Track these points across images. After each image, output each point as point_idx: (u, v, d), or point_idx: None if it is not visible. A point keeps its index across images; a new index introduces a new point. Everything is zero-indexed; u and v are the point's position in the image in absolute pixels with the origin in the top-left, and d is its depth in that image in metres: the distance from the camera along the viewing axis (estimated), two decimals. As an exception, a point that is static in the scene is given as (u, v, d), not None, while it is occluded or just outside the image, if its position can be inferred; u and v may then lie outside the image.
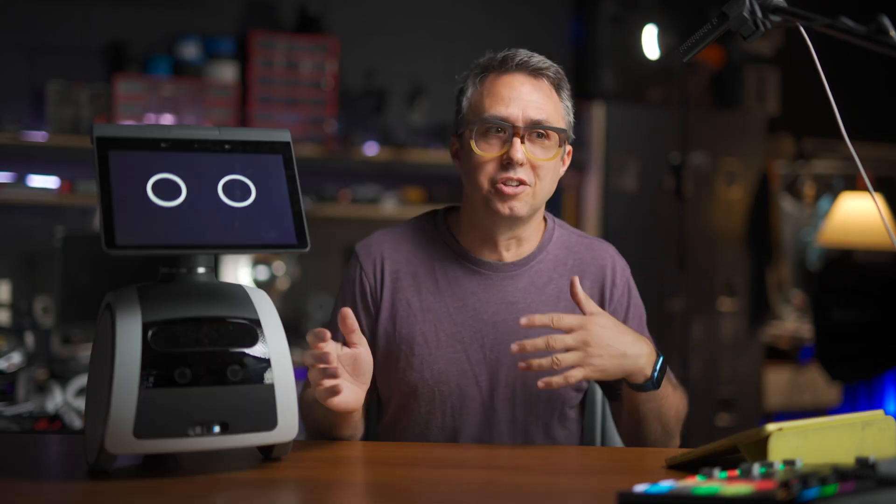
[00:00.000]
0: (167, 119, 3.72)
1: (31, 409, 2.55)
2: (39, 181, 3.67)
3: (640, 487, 1.05)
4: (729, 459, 1.20)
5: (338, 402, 1.38)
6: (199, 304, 1.23)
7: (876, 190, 1.76)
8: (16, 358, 2.56)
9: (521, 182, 1.55)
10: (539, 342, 1.40)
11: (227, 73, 3.85)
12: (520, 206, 1.56)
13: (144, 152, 1.24)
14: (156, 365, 1.17)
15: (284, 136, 1.32)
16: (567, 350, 1.41)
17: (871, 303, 4.17)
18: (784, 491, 0.94)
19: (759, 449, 1.18)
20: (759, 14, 1.35)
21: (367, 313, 1.64)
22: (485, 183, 1.57)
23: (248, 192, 1.26)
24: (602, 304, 1.65)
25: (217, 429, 1.19)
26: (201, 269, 1.28)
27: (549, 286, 1.64)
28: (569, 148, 1.64)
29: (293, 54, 3.91)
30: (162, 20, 3.89)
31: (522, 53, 1.60)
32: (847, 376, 4.30)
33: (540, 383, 1.41)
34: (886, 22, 1.21)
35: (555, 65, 1.62)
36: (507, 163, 1.55)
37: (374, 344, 1.62)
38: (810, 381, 4.49)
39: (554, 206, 4.01)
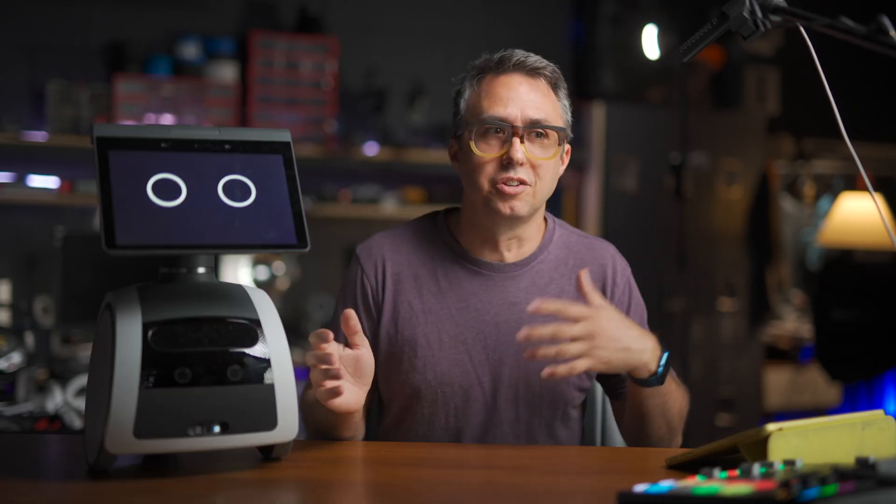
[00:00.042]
0: (167, 119, 3.72)
1: (31, 409, 2.55)
2: (39, 181, 3.67)
3: (640, 487, 1.05)
4: (729, 459, 1.20)
5: (339, 403, 1.38)
6: (199, 304, 1.23)
7: (876, 190, 1.76)
8: (16, 358, 2.56)
9: (521, 182, 1.55)
10: (546, 331, 1.41)
11: (227, 73, 3.85)
12: (521, 206, 1.56)
13: (144, 152, 1.24)
14: (156, 365, 1.17)
15: (284, 136, 1.32)
16: (573, 340, 1.42)
17: (871, 303, 4.17)
18: (784, 491, 0.94)
19: (759, 449, 1.18)
20: (759, 14, 1.35)
21: (368, 315, 1.64)
22: (485, 184, 1.57)
23: (248, 192, 1.26)
24: None
25: (217, 429, 1.19)
26: (201, 269, 1.28)
27: (550, 286, 1.64)
28: (567, 147, 1.64)
29: (293, 54, 3.91)
30: (162, 20, 3.89)
31: (519, 53, 1.60)
32: (847, 376, 4.30)
33: (545, 372, 1.41)
34: (886, 22, 1.21)
35: (551, 64, 1.63)
36: (507, 163, 1.55)
37: (376, 346, 1.62)
38: (810, 381, 4.49)
39: (554, 206, 4.01)
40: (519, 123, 1.56)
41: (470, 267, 1.64)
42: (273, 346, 1.23)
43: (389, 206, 3.99)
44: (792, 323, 4.69)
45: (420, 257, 1.66)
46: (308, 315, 3.89)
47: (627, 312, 1.67)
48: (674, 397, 1.57)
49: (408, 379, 1.61)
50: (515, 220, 1.59)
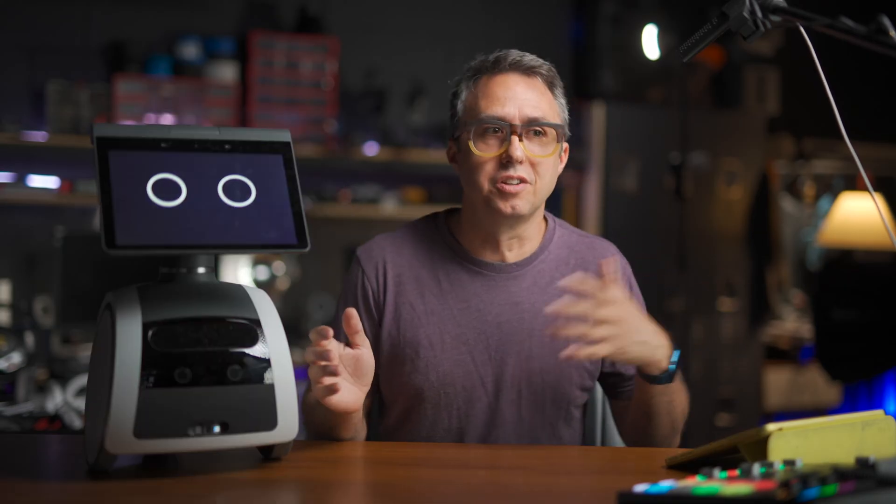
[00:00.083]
0: (167, 119, 3.72)
1: (31, 409, 2.55)
2: (39, 181, 3.66)
3: (640, 487, 1.05)
4: (729, 459, 1.20)
5: (336, 400, 1.38)
6: (199, 304, 1.23)
7: (876, 190, 1.77)
8: (16, 358, 2.56)
9: (521, 180, 1.55)
10: (577, 308, 1.41)
11: (227, 73, 3.85)
12: (522, 205, 1.56)
13: (144, 152, 1.24)
14: (156, 365, 1.17)
15: (284, 136, 1.32)
16: (599, 324, 1.42)
17: (871, 303, 4.17)
18: (784, 491, 0.94)
19: (759, 449, 1.18)
20: (759, 14, 1.35)
21: (369, 317, 1.64)
22: (485, 183, 1.57)
23: (248, 192, 1.26)
24: None
25: (217, 429, 1.19)
26: (201, 269, 1.28)
27: (551, 286, 1.64)
28: (566, 145, 1.64)
29: (293, 54, 3.91)
30: (162, 20, 3.89)
31: (514, 53, 1.61)
32: (847, 376, 4.30)
33: (565, 353, 1.40)
34: (886, 22, 1.21)
35: (547, 63, 1.63)
36: (506, 161, 1.55)
37: (378, 348, 1.62)
38: (810, 381, 4.49)
39: (554, 206, 4.01)
40: (517, 122, 1.56)
41: (471, 267, 1.64)
42: (273, 346, 1.23)
43: (389, 206, 3.99)
44: (792, 323, 4.69)
45: (421, 259, 1.66)
46: (308, 315, 3.89)
47: (629, 310, 1.68)
48: (680, 396, 1.58)
49: (410, 380, 1.61)
50: (517, 219, 1.59)
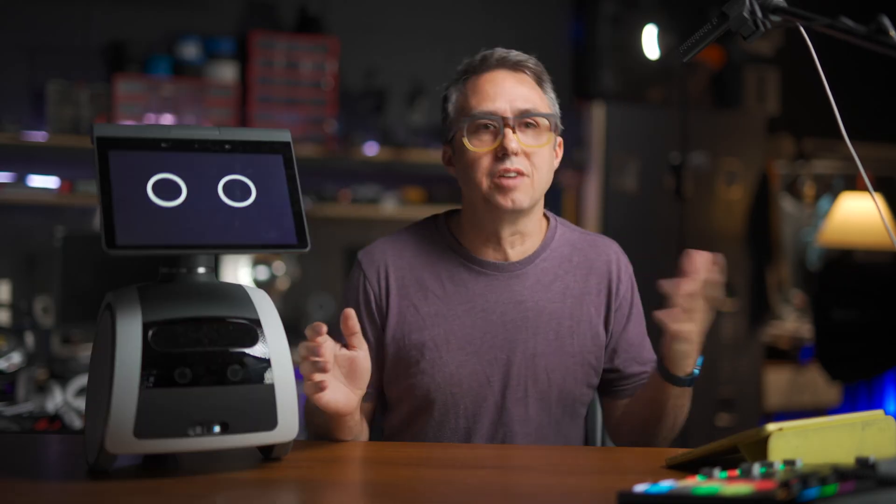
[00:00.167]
0: (167, 119, 3.72)
1: (31, 409, 2.55)
2: (39, 181, 3.67)
3: (640, 487, 1.05)
4: (729, 459, 1.20)
5: (326, 399, 1.37)
6: (199, 304, 1.22)
7: (876, 190, 1.77)
8: (16, 358, 2.56)
9: (518, 173, 1.56)
10: (712, 278, 1.44)
11: (227, 73, 3.85)
12: (521, 198, 1.57)
13: (144, 152, 1.24)
14: (156, 365, 1.17)
15: (284, 136, 1.32)
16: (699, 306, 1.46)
17: (871, 303, 4.17)
18: (784, 491, 0.94)
19: (759, 449, 1.18)
20: (759, 14, 1.35)
21: (371, 321, 1.64)
22: (483, 179, 1.57)
23: (248, 192, 1.26)
24: (608, 300, 1.67)
25: (217, 429, 1.19)
26: (201, 269, 1.28)
27: (555, 283, 1.65)
28: (559, 139, 1.65)
29: (293, 54, 3.91)
30: (162, 20, 3.89)
31: (500, 50, 1.62)
32: (847, 376, 4.30)
33: (672, 328, 1.45)
34: (886, 22, 1.21)
35: (533, 57, 1.64)
36: (502, 155, 1.56)
37: (382, 352, 1.63)
38: (810, 381, 4.49)
39: (554, 206, 4.00)
40: (509, 115, 1.57)
41: (474, 268, 1.64)
42: (273, 346, 1.23)
43: (389, 206, 3.99)
44: (792, 323, 4.69)
45: (423, 261, 1.65)
46: (308, 315, 3.89)
47: (631, 308, 1.68)
48: (688, 401, 1.59)
49: (417, 382, 1.60)
50: (517, 213, 1.59)
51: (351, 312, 1.40)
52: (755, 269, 4.46)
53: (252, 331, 1.23)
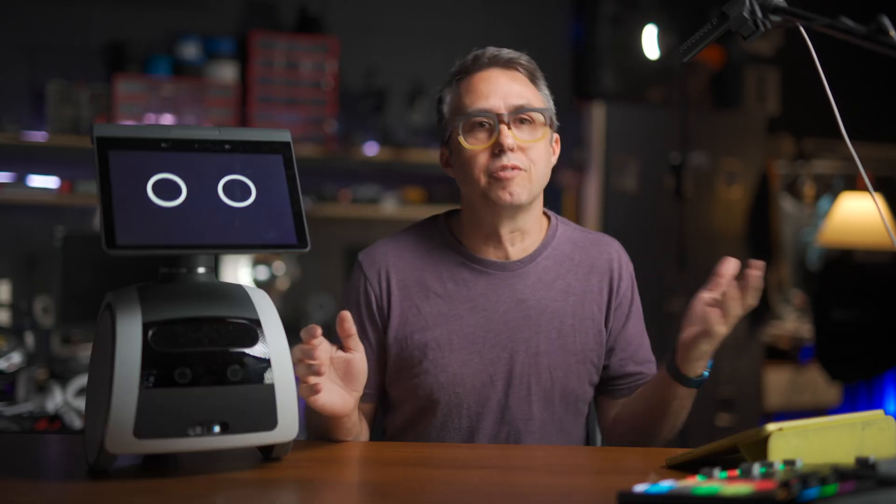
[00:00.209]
0: (167, 119, 3.72)
1: (31, 409, 2.55)
2: (39, 181, 3.67)
3: (640, 487, 1.05)
4: (729, 459, 1.20)
5: (321, 402, 1.37)
6: (199, 304, 1.22)
7: (876, 190, 1.77)
8: (16, 358, 2.56)
9: (515, 167, 1.56)
10: (754, 285, 1.53)
11: (227, 73, 3.85)
12: (519, 191, 1.57)
13: (144, 152, 1.24)
14: (156, 365, 1.16)
15: (284, 136, 1.32)
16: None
17: (871, 303, 4.17)
18: (784, 491, 0.94)
19: (759, 449, 1.18)
20: (759, 14, 1.35)
21: (372, 323, 1.64)
22: (480, 176, 1.57)
23: (248, 192, 1.26)
24: (609, 298, 1.67)
25: (217, 429, 1.19)
26: (201, 269, 1.28)
27: (557, 282, 1.65)
28: (556, 135, 1.65)
29: (293, 54, 3.91)
30: (162, 20, 3.89)
31: (491, 49, 1.63)
32: (847, 376, 4.30)
33: (716, 321, 1.47)
34: (886, 22, 1.21)
35: (525, 55, 1.64)
36: (498, 151, 1.56)
37: (385, 353, 1.63)
38: (810, 381, 4.49)
39: (554, 206, 3.99)
40: (503, 111, 1.57)
41: (475, 267, 1.64)
42: (273, 346, 1.23)
43: (389, 206, 3.99)
44: (792, 323, 4.69)
45: (424, 261, 1.65)
46: (308, 315, 3.89)
47: (631, 306, 1.68)
48: (691, 402, 1.59)
49: (420, 382, 1.60)
50: (516, 208, 1.59)
51: (347, 315, 1.40)
52: (755, 269, 4.45)
53: (252, 331, 1.22)
